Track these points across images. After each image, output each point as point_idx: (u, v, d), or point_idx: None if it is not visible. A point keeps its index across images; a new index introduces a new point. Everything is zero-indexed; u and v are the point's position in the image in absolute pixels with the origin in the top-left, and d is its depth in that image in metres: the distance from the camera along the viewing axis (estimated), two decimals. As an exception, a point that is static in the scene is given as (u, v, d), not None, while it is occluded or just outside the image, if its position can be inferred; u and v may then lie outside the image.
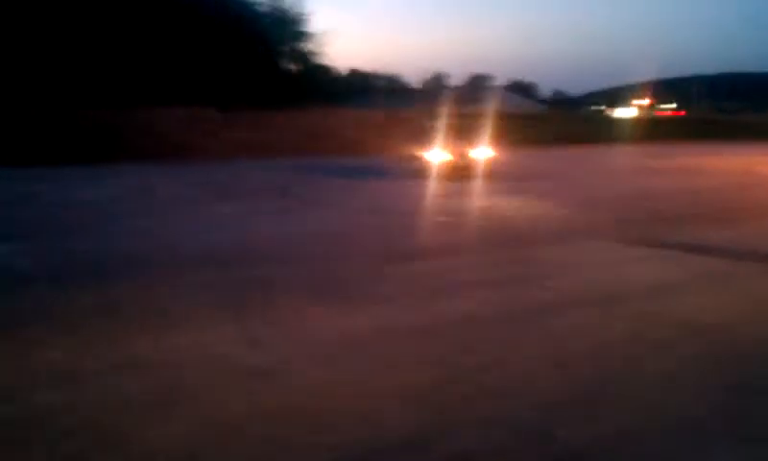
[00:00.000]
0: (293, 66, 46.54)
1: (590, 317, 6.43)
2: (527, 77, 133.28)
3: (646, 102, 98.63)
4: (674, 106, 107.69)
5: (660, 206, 14.94)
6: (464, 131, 22.18)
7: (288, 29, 44.81)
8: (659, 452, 3.87)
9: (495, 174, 20.22)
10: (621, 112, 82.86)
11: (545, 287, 7.53)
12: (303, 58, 45.76)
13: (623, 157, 30.64)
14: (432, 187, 18.09)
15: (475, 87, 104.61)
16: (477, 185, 18.36)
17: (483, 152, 21.37)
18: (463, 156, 20.90)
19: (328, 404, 4.46)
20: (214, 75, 35.42)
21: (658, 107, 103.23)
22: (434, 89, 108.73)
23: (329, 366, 5.15)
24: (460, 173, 20.05)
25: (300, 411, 4.38)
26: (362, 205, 15.12)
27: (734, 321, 6.30)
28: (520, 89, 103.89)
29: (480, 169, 20.61)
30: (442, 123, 23.14)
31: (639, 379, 4.94)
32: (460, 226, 12.34)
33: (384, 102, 53.32)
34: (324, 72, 46.81)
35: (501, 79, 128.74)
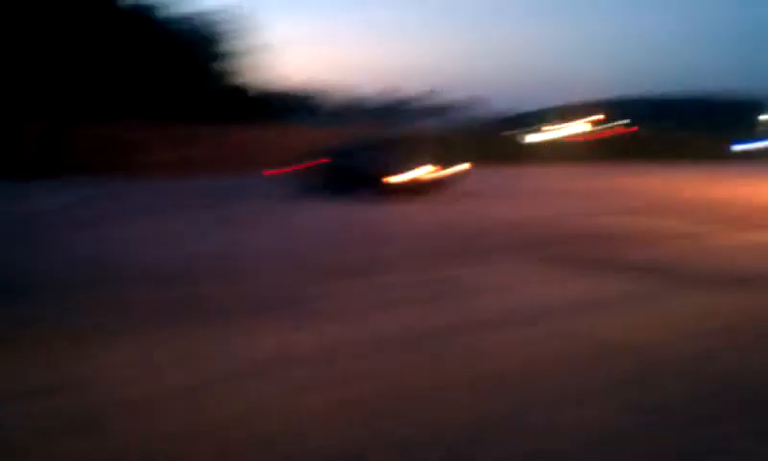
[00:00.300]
0: (219, 82, 45.65)
1: (514, 336, 6.39)
2: (480, 94, 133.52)
3: (594, 118, 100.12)
4: (621, 123, 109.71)
5: (580, 224, 15.10)
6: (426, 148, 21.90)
7: (209, 45, 43.97)
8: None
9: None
10: (566, 130, 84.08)
11: (465, 306, 7.51)
12: (230, 74, 44.96)
13: (554, 179, 31.07)
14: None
15: (428, 104, 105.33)
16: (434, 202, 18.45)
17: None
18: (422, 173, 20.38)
19: (262, 424, 4.34)
20: (144, 91, 34.82)
21: (608, 125, 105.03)
22: (386, 105, 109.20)
23: (267, 384, 5.03)
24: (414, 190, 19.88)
25: (228, 432, 4.25)
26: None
27: (654, 340, 6.33)
28: (473, 106, 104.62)
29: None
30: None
31: (560, 398, 4.89)
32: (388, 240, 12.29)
33: (336, 118, 53.24)
34: (253, 88, 46.18)
35: (455, 96, 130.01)
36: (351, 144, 21.28)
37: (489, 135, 55.30)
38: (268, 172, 21.14)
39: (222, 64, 44.27)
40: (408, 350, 5.94)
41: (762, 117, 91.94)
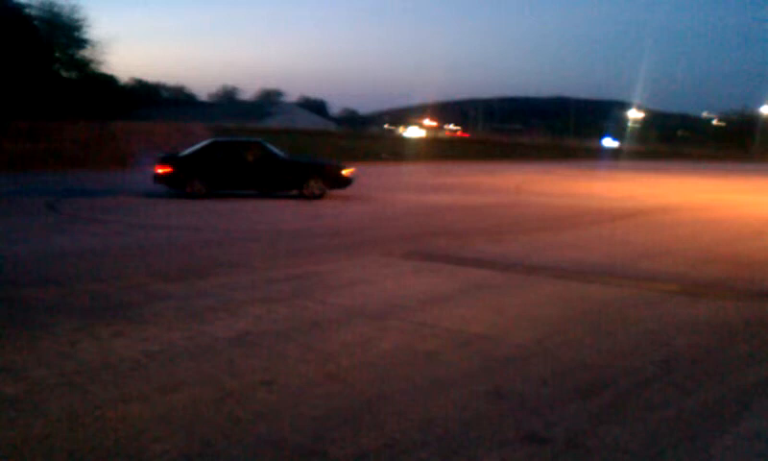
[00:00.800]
0: (70, 74, 43.81)
1: (365, 330, 6.46)
2: (316, 94, 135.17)
3: (431, 123, 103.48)
4: (457, 128, 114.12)
5: (437, 221, 15.60)
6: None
7: (65, 35, 42.20)
8: (423, 462, 3.90)
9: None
10: (410, 132, 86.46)
11: (322, 301, 7.51)
12: (81, 66, 43.23)
13: (410, 175, 31.76)
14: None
15: (266, 103, 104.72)
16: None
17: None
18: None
19: (84, 433, 4.10)
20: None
21: (445, 128, 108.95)
22: (224, 102, 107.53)
23: (87, 392, 4.76)
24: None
25: (51, 440, 3.99)
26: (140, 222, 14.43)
27: (497, 330, 6.61)
28: (310, 106, 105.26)
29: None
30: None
31: (411, 390, 4.99)
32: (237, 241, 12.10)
33: (171, 113, 51.86)
34: (103, 81, 44.44)
35: (291, 95, 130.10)
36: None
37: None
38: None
39: (62, 55, 42.07)
40: (243, 350, 5.86)
41: (629, 115, 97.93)
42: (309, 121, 78.23)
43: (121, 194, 19.80)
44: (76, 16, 41.51)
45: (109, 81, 46.08)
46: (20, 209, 15.88)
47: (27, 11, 39.89)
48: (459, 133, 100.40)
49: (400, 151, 48.38)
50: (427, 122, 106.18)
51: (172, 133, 33.20)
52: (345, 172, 20.29)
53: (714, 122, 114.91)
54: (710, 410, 4.85)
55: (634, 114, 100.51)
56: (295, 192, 19.69)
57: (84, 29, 41.99)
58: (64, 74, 42.82)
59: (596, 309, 7.69)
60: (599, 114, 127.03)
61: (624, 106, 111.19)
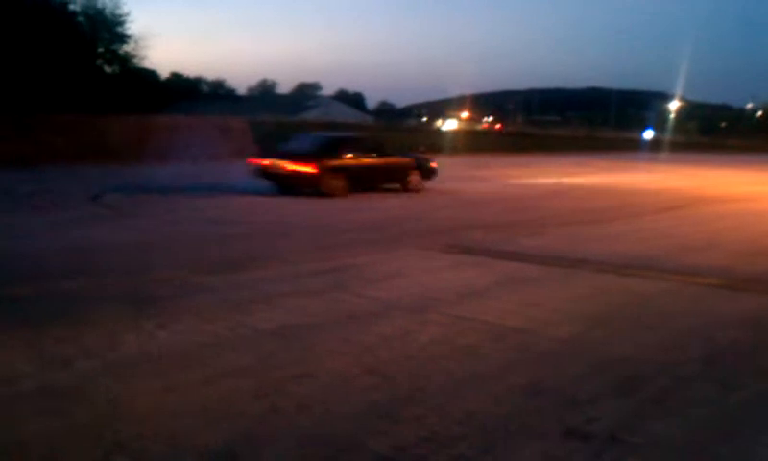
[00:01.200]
0: (112, 69, 44.52)
1: (403, 323, 6.47)
2: (353, 87, 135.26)
3: (465, 115, 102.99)
4: (493, 120, 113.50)
5: (475, 214, 15.55)
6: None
7: (107, 30, 42.88)
8: (467, 456, 3.90)
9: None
10: (446, 125, 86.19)
11: (362, 295, 7.54)
12: (123, 61, 43.90)
13: (448, 168, 31.66)
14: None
15: (304, 96, 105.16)
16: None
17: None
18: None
19: (127, 423, 4.17)
20: (27, 77, 33.16)
21: (482, 121, 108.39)
22: (263, 96, 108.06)
23: (130, 382, 4.84)
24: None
25: (97, 430, 4.07)
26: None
27: (536, 323, 6.59)
28: (347, 99, 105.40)
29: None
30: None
31: (450, 384, 4.99)
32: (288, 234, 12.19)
33: (210, 108, 52.27)
34: (144, 76, 45.07)
35: (329, 88, 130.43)
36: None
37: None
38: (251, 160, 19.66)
39: (103, 50, 42.79)
40: (283, 342, 5.91)
41: (670, 106, 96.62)
42: (346, 114, 78.32)
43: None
44: (118, 12, 42.16)
45: (150, 75, 46.75)
46: (66, 202, 16.14)
47: (71, 7, 40.57)
48: (495, 126, 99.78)
49: (437, 144, 48.18)
50: (464, 115, 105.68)
51: (211, 128, 33.45)
52: (433, 164, 20.71)
53: (758, 114, 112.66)
54: (753, 407, 4.79)
55: (674, 105, 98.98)
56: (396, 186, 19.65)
57: (126, 24, 42.64)
58: (107, 69, 43.53)
59: (637, 303, 7.62)
60: (639, 105, 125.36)
61: (665, 97, 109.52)
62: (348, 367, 5.30)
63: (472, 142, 53.10)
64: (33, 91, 32.11)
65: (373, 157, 19.15)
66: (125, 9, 42.99)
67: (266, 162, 18.48)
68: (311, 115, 69.10)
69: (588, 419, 4.41)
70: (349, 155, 18.66)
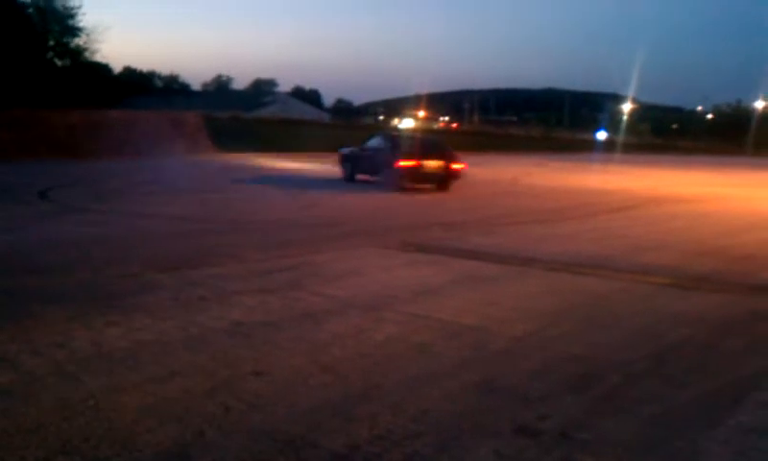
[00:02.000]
0: (63, 62, 43.70)
1: (358, 321, 6.46)
2: (310, 84, 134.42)
3: (422, 114, 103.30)
4: (450, 119, 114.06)
5: (430, 212, 15.62)
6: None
7: (59, 23, 42.07)
8: (421, 454, 3.90)
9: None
10: (403, 124, 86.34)
11: (317, 293, 7.50)
12: (75, 54, 43.11)
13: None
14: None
15: (259, 92, 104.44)
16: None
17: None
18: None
19: (76, 423, 4.08)
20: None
21: (438, 120, 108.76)
22: (218, 91, 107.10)
23: (80, 382, 4.74)
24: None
25: (44, 429, 3.98)
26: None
27: (490, 322, 6.62)
28: (304, 96, 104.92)
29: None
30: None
31: (404, 382, 4.99)
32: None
33: (164, 102, 51.66)
34: (95, 69, 44.30)
35: (285, 85, 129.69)
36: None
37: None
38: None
39: (53, 43, 41.96)
40: (233, 341, 5.86)
41: (623, 107, 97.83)
42: (303, 111, 77.95)
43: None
44: (69, 5, 41.37)
45: (103, 69, 45.98)
46: (13, 199, 15.80)
47: (20, -1, 39.71)
48: (452, 125, 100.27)
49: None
50: (421, 113, 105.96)
51: (165, 122, 33.03)
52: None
53: (709, 116, 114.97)
54: (703, 404, 4.87)
55: (627, 107, 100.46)
56: None
57: (78, 17, 41.86)
58: (58, 62, 42.73)
59: (590, 302, 7.70)
60: (593, 107, 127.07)
61: (618, 98, 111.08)
62: (303, 365, 5.26)
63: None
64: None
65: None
66: (76, 1, 42.24)
67: (413, 163, 19.67)
68: (267, 111, 68.65)
69: (539, 416, 4.45)
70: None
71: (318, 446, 3.94)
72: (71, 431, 4.00)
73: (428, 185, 19.91)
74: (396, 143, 21.32)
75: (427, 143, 22.00)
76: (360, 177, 21.44)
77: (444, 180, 20.14)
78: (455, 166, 20.36)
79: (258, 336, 5.95)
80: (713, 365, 5.75)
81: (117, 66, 71.26)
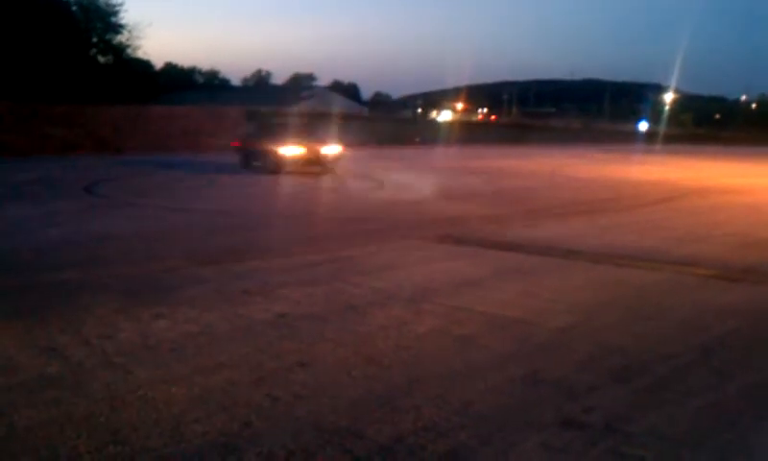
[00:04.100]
0: (106, 59, 44.36)
1: (401, 313, 6.47)
2: (348, 78, 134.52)
3: (460, 106, 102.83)
4: (489, 111, 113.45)
5: (471, 205, 15.54)
6: (298, 127, 23.13)
7: (101, 20, 42.69)
8: (466, 445, 3.90)
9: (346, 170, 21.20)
10: (442, 116, 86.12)
11: (359, 285, 7.53)
12: (117, 51, 43.73)
13: (445, 159, 31.67)
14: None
15: (298, 86, 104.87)
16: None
17: (331, 148, 22.05)
18: (314, 150, 21.41)
19: (125, 413, 4.16)
20: (19, 67, 33.01)
21: (477, 112, 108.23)
22: (257, 86, 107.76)
23: (128, 373, 4.83)
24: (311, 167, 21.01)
25: (94, 419, 4.06)
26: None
27: (533, 314, 6.59)
28: (342, 90, 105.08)
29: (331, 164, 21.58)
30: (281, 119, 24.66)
31: (447, 374, 5.00)
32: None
33: (205, 98, 52.16)
34: (137, 65, 44.89)
35: (323, 79, 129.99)
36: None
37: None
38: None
39: (96, 40, 42.63)
40: (278, 333, 5.91)
41: (664, 98, 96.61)
42: (342, 105, 78.00)
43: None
44: (112, 2, 41.95)
45: (145, 65, 46.59)
46: (60, 193, 16.08)
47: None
48: (491, 117, 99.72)
49: (433, 135, 48.11)
50: (459, 106, 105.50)
51: (206, 118, 33.36)
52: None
53: (753, 106, 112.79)
54: (751, 396, 4.80)
55: (669, 97, 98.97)
56: None
57: (120, 14, 42.44)
58: (101, 59, 43.39)
59: (634, 294, 7.63)
60: (634, 97, 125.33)
61: (659, 89, 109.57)
62: (346, 357, 5.30)
63: (467, 133, 53.05)
64: (27, 82, 31.98)
65: None
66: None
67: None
68: (306, 105, 68.94)
69: (585, 409, 4.42)
70: None
71: (363, 437, 3.97)
72: (120, 422, 4.08)
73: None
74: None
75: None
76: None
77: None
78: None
79: (302, 328, 6.00)
80: (760, 357, 5.67)
81: (159, 62, 72.13)
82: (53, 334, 5.66)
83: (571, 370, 5.15)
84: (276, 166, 20.55)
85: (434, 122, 70.42)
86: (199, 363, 5.08)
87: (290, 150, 20.85)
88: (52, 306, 6.49)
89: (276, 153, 20.84)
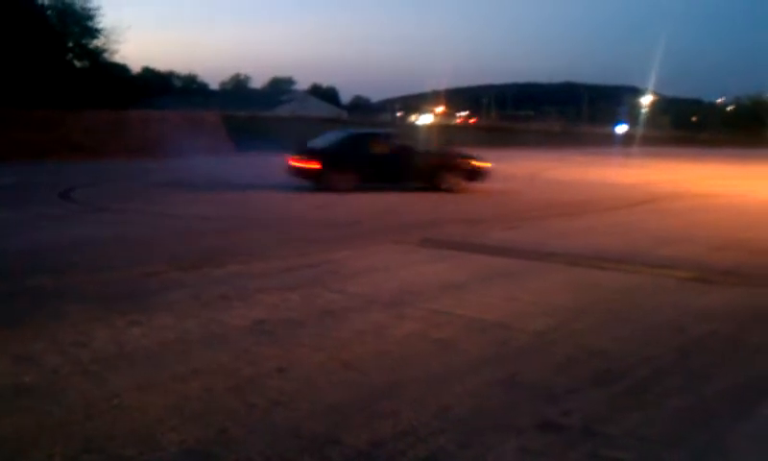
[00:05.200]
0: (83, 64, 44.01)
1: (380, 318, 6.45)
2: (327, 82, 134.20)
3: (440, 109, 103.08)
4: (468, 114, 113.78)
5: (451, 208, 15.58)
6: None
7: (77, 24, 42.34)
8: (445, 450, 3.88)
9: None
10: (421, 120, 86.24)
11: (337, 290, 7.50)
12: (94, 55, 43.39)
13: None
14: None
15: (277, 91, 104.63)
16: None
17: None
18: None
19: (100, 421, 4.11)
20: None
21: (456, 115, 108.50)
22: (236, 90, 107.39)
23: (103, 380, 4.77)
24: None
25: (68, 428, 4.00)
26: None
27: (512, 317, 6.60)
28: (321, 94, 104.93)
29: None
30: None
31: (426, 378, 4.98)
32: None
33: (183, 102, 51.85)
34: (114, 70, 44.55)
35: (303, 83, 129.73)
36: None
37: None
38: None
39: (72, 44, 42.28)
40: (256, 339, 5.86)
41: (642, 101, 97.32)
42: (321, 109, 77.89)
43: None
44: (88, 6, 41.63)
45: (122, 70, 46.26)
46: (36, 199, 15.92)
47: (39, 1, 40.04)
48: (470, 120, 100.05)
49: (414, 138, 48.17)
50: (439, 109, 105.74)
51: (184, 122, 33.20)
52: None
53: (729, 108, 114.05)
54: (728, 397, 4.82)
55: (647, 100, 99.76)
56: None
57: (97, 18, 42.12)
58: (77, 64, 43.03)
59: (612, 296, 7.64)
60: (612, 100, 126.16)
61: (637, 92, 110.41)
62: (325, 362, 5.26)
63: (447, 137, 53.11)
64: (2, 87, 31.65)
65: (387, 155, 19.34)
66: (95, 2, 42.61)
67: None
68: (285, 110, 68.77)
69: (563, 412, 4.42)
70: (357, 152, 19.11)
71: (341, 442, 3.94)
72: (95, 430, 4.02)
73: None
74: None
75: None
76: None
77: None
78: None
79: (280, 334, 5.96)
80: (738, 359, 5.69)
81: (136, 67, 71.44)
82: (27, 342, 5.58)
83: (550, 373, 5.15)
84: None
85: (413, 125, 70.48)
86: (175, 370, 5.02)
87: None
88: (26, 313, 6.41)
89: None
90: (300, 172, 18.48)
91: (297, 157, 18.73)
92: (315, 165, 18.16)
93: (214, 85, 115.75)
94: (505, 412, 4.42)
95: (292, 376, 4.95)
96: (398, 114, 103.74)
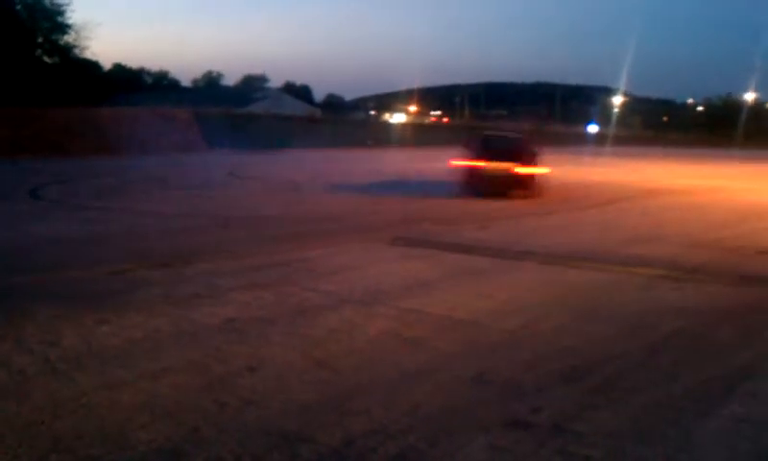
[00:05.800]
0: (53, 60, 43.50)
1: (351, 316, 6.45)
2: (300, 80, 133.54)
3: (413, 108, 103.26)
4: (441, 114, 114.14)
5: (421, 207, 15.61)
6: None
7: (47, 20, 41.84)
8: (415, 448, 3.89)
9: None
10: (395, 118, 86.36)
11: (309, 288, 7.48)
12: (64, 51, 42.90)
13: (398, 162, 31.73)
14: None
15: (250, 88, 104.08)
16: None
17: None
18: None
19: (68, 421, 4.07)
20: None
21: (429, 114, 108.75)
22: (208, 88, 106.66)
23: (71, 380, 4.72)
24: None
25: (35, 427, 3.96)
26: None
27: (483, 315, 6.64)
28: (295, 92, 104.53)
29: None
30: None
31: (397, 376, 4.99)
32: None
33: (154, 99, 51.42)
34: (85, 66, 44.08)
35: (276, 80, 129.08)
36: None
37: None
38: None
39: (42, 40, 41.75)
40: (226, 337, 5.84)
41: (614, 101, 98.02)
42: (294, 107, 77.59)
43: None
44: (58, 1, 41.14)
45: (92, 66, 45.80)
46: (4, 196, 15.72)
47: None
48: (443, 120, 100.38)
49: (385, 137, 48.26)
50: (412, 108, 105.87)
51: (155, 119, 32.91)
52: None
53: (699, 109, 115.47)
54: (696, 394, 4.87)
55: (618, 100, 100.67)
56: None
57: (67, 14, 41.65)
58: (47, 60, 42.52)
59: (582, 294, 7.71)
60: (584, 100, 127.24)
61: (609, 91, 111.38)
62: (296, 360, 5.25)
63: (420, 135, 53.30)
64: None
65: None
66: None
67: None
68: (258, 107, 68.47)
69: (533, 409, 4.45)
70: None
71: (313, 441, 3.94)
72: (63, 430, 3.98)
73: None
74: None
75: None
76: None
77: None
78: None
79: (251, 332, 5.94)
80: (706, 356, 5.76)
81: (107, 63, 70.88)
82: (-8, 341, 5.51)
83: (520, 370, 5.19)
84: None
85: (387, 124, 70.55)
86: (144, 368, 4.99)
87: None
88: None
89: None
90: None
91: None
92: None
93: (186, 83, 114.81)
94: (475, 410, 4.44)
95: (263, 375, 4.94)
96: (372, 113, 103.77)
